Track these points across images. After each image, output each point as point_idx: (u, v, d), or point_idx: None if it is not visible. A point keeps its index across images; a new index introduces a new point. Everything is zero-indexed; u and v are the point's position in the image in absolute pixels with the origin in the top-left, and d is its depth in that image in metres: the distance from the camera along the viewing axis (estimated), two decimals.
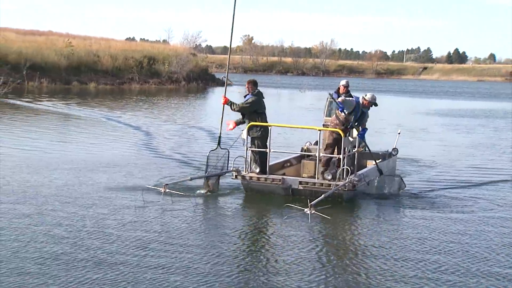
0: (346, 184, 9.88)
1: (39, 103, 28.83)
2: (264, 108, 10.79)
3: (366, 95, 10.60)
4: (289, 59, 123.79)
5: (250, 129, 10.50)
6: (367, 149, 11.05)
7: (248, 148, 10.52)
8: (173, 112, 28.02)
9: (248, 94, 10.69)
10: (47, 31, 56.18)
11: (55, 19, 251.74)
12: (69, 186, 10.60)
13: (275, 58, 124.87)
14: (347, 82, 11.89)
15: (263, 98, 10.80)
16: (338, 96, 11.20)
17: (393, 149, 12.51)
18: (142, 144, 16.78)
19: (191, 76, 52.52)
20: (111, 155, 14.52)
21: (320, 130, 10.61)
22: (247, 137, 10.39)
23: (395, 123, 25.80)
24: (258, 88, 10.80)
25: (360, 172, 10.66)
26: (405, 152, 16.16)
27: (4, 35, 44.97)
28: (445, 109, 38.66)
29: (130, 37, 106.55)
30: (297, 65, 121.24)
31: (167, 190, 9.56)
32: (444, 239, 8.25)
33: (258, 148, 10.52)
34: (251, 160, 10.61)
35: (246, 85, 10.72)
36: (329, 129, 10.68)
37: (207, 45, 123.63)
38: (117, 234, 7.75)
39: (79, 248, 7.14)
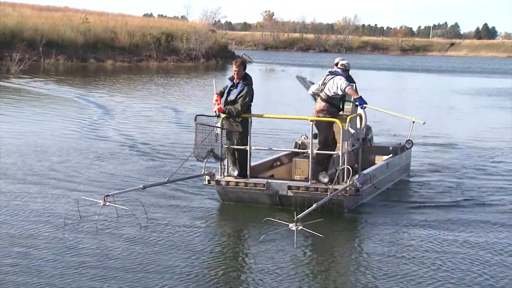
0: (347, 189, 7.87)
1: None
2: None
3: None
4: (311, 36, 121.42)
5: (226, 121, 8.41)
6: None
7: (224, 145, 8.34)
8: (184, 94, 26.19)
9: (239, 83, 8.37)
10: (63, 6, 55.39)
11: None
12: None
13: (297, 35, 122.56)
14: (339, 59, 9.73)
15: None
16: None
17: (407, 141, 10.39)
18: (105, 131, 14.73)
19: (210, 53, 51.26)
20: (55, 141, 12.78)
21: (312, 121, 8.45)
22: (221, 133, 8.27)
23: (427, 105, 24.33)
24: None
25: (365, 171, 8.70)
26: (437, 141, 14.75)
27: (20, 11, 44.19)
28: (493, 88, 34.91)
29: (147, 13, 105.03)
30: (319, 42, 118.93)
31: (107, 203, 7.13)
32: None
33: (237, 145, 8.42)
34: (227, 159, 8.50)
35: (235, 68, 8.38)
36: (323, 119, 8.54)
37: (226, 21, 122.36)
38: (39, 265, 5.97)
39: None
